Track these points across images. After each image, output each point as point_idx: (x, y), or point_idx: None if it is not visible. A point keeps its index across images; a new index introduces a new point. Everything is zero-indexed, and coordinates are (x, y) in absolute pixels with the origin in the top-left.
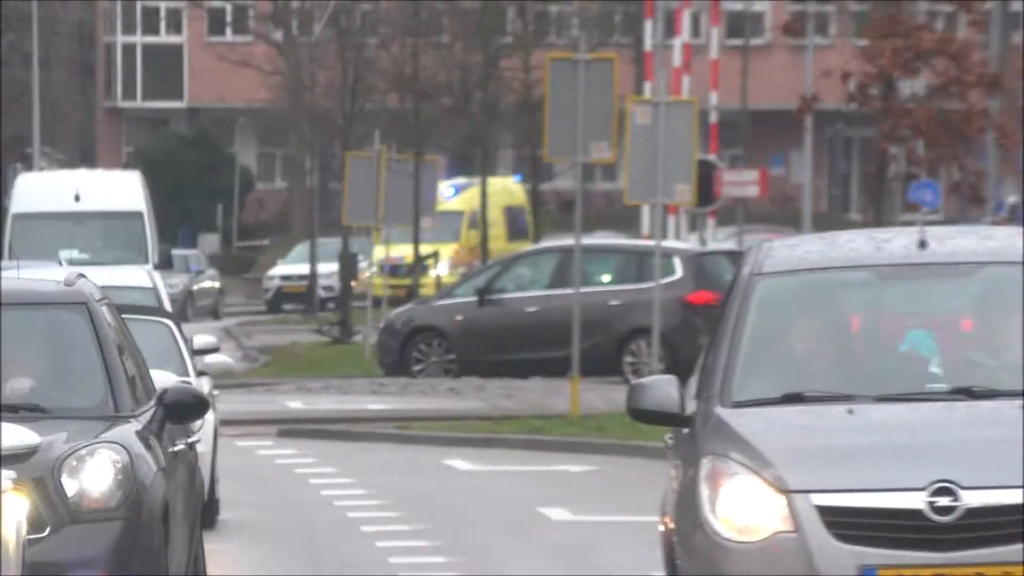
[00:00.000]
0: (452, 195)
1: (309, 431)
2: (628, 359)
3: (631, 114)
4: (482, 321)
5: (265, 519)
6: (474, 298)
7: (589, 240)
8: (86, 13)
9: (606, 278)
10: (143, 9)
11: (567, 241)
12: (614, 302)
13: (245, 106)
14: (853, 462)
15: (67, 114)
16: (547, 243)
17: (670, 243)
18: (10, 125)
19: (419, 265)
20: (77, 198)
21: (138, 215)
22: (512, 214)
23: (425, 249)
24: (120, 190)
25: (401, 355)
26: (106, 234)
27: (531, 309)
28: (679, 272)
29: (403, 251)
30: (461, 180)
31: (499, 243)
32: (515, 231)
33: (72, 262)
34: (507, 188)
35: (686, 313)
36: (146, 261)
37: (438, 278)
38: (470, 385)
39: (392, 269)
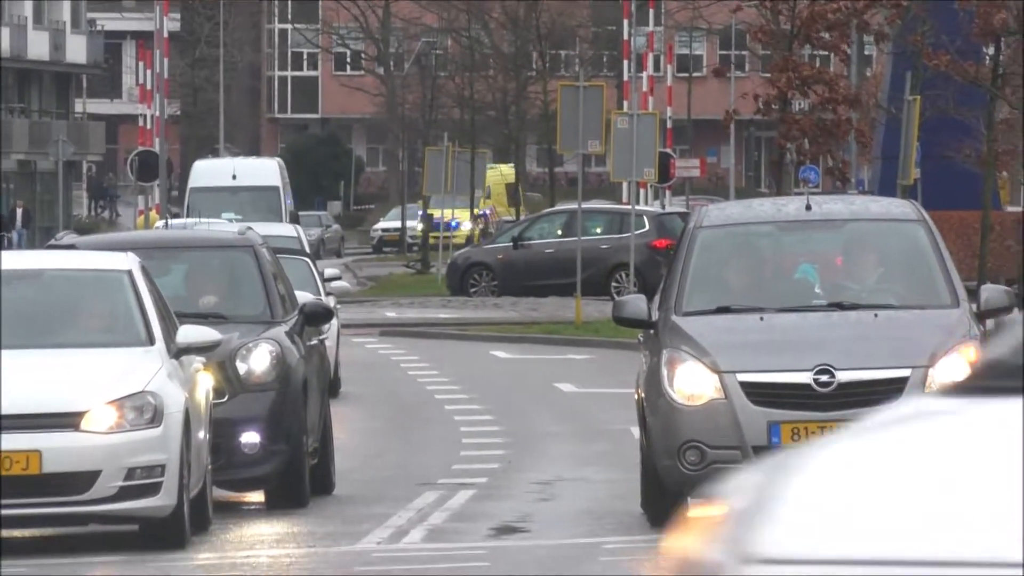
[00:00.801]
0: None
1: (400, 331)
2: (613, 284)
3: (615, 121)
4: (516, 259)
5: (371, 390)
6: (510, 244)
7: (587, 205)
8: (255, 56)
9: (599, 230)
10: (292, 53)
11: (572, 205)
12: (604, 246)
13: (359, 116)
14: (764, 351)
15: (241, 122)
16: (559, 207)
17: (641, 207)
18: (204, 130)
19: (475, 220)
20: (234, 177)
21: (275, 188)
22: (510, 188)
23: (459, 213)
24: (263, 171)
25: (461, 282)
26: (253, 201)
27: (549, 251)
28: (647, 226)
29: (447, 214)
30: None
31: (502, 206)
32: (511, 199)
33: (230, 221)
34: (507, 172)
35: (652, 253)
36: (280, 221)
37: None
38: (508, 302)
39: (436, 226)
